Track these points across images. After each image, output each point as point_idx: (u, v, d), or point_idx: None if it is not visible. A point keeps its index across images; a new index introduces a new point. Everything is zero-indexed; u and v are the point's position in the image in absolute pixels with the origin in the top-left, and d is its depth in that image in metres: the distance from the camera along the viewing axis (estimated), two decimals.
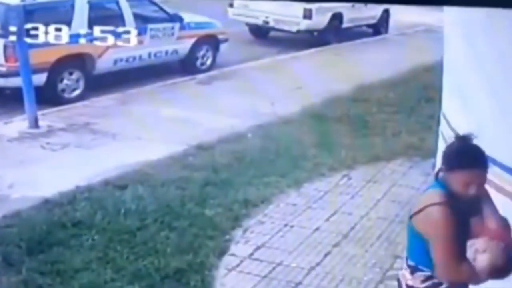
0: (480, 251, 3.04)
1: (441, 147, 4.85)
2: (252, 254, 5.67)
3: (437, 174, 3.22)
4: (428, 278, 3.23)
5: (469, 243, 3.07)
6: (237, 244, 5.81)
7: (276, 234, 6.01)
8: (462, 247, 3.08)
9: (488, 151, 3.45)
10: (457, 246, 3.06)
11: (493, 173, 3.80)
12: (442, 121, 4.92)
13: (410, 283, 3.29)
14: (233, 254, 5.64)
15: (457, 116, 4.55)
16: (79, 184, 6.63)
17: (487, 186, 3.20)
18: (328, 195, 6.83)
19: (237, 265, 5.49)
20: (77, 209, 6.13)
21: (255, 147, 7.90)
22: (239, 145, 7.98)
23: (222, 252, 5.64)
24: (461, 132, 3.32)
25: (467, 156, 3.10)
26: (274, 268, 5.47)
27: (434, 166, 5.05)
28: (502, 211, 3.22)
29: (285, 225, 6.18)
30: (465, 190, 3.06)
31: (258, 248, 5.77)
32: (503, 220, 3.15)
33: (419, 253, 3.20)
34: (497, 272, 3.09)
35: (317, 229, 6.13)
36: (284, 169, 7.26)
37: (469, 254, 3.07)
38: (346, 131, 8.61)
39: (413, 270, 3.26)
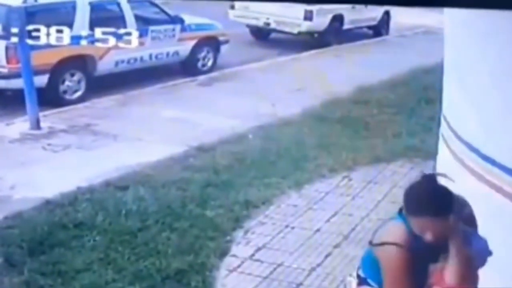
0: None
1: (441, 148, 4.87)
2: (253, 255, 5.69)
3: (400, 210, 2.99)
4: None
5: None
6: (238, 245, 5.82)
7: (277, 235, 6.02)
8: None
9: (488, 151, 3.47)
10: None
11: (492, 174, 3.82)
12: (443, 122, 4.92)
13: None
14: (234, 255, 5.66)
15: (457, 118, 4.56)
16: (80, 185, 6.65)
17: (485, 187, 3.19)
18: (329, 196, 6.84)
19: (238, 266, 5.51)
20: (78, 210, 6.14)
21: (255, 148, 7.91)
22: (240, 146, 7.99)
23: (223, 253, 5.65)
24: (460, 132, 3.32)
25: (422, 202, 2.89)
26: (275, 269, 5.48)
27: (434, 168, 5.06)
28: (501, 212, 3.21)
29: (286, 226, 6.19)
30: (423, 234, 2.86)
31: (259, 249, 5.78)
32: (468, 265, 2.93)
33: (371, 268, 3.08)
34: None
35: (318, 230, 6.14)
36: (284, 170, 7.27)
37: None
38: (346, 132, 8.61)
39: (361, 282, 3.16)
